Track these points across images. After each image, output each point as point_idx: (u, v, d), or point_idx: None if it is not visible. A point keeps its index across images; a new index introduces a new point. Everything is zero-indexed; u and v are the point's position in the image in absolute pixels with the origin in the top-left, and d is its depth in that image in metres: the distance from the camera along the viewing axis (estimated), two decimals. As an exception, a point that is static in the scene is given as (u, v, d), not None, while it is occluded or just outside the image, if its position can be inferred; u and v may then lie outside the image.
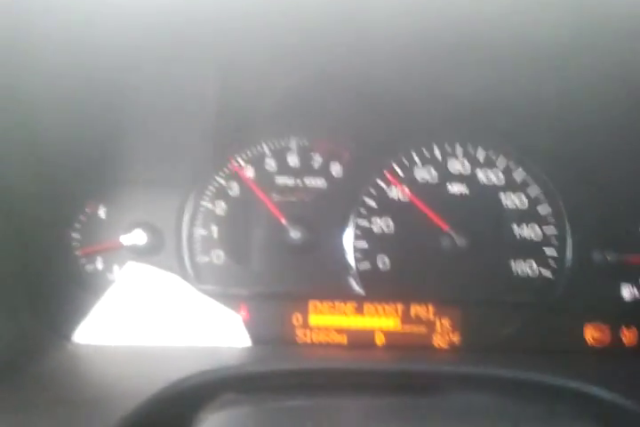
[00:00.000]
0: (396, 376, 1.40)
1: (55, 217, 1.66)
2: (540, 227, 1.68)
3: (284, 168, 1.71)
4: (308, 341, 1.63)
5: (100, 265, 1.67)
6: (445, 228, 1.65)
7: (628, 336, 1.64)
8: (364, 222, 1.69)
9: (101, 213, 1.69)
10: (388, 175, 1.71)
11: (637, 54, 1.45)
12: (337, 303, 1.65)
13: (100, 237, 1.68)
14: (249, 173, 1.71)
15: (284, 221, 1.66)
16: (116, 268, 1.66)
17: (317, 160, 1.72)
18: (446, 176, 1.71)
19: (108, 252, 1.67)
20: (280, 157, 1.72)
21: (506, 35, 1.44)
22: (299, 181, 1.71)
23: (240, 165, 1.71)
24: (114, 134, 1.71)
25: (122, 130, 1.72)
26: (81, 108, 1.61)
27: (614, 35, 1.38)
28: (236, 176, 1.71)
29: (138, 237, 1.64)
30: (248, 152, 1.73)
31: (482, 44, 1.48)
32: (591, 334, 1.64)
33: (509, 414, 1.20)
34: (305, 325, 1.64)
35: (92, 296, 1.61)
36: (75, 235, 1.68)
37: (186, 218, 1.69)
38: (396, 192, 1.70)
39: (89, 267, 1.67)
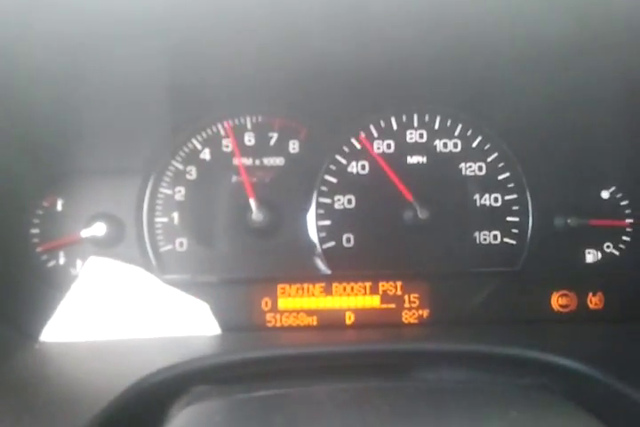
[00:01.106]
0: (367, 356, 1.41)
1: (12, 214, 1.62)
2: (502, 195, 1.69)
3: (241, 148, 1.68)
4: (279, 325, 1.64)
5: (62, 260, 1.64)
6: (410, 198, 1.64)
7: (594, 301, 1.67)
8: (326, 200, 1.68)
9: (59, 206, 1.65)
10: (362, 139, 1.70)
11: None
12: (305, 285, 1.65)
13: (60, 232, 1.64)
14: (204, 155, 1.68)
15: (252, 201, 1.63)
16: (78, 262, 1.63)
17: (274, 138, 1.69)
18: (405, 148, 1.69)
19: (69, 246, 1.63)
20: (236, 136, 1.68)
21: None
22: (257, 160, 1.68)
23: None
24: (65, 124, 1.66)
25: (73, 118, 1.66)
26: (28, 97, 1.55)
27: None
28: (192, 159, 1.67)
29: (97, 229, 1.61)
30: (203, 134, 1.69)
31: (438, 11, 1.44)
32: (558, 301, 1.67)
33: (480, 390, 1.21)
34: (274, 309, 1.64)
35: (56, 293, 1.58)
36: (34, 230, 1.64)
37: (145, 206, 1.66)
38: (356, 167, 1.68)
39: (51, 263, 1.63)
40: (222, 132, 1.69)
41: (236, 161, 1.67)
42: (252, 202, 1.62)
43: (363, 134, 1.70)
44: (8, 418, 1.05)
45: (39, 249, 1.63)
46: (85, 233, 1.61)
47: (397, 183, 1.66)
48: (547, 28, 1.41)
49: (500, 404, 1.06)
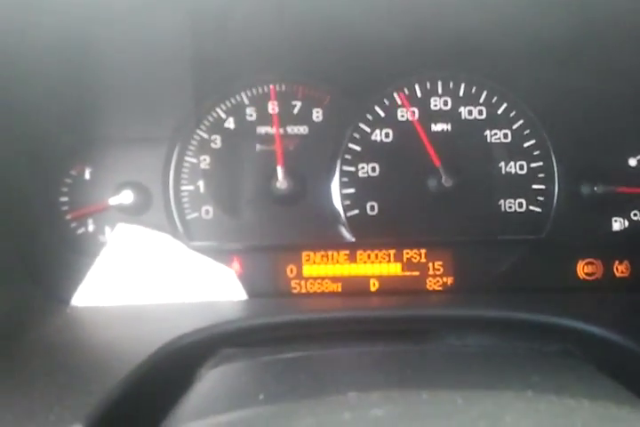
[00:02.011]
0: (391, 322, 1.42)
1: (41, 183, 1.65)
2: (527, 163, 1.68)
3: (264, 117, 1.68)
4: (304, 291, 1.65)
5: (90, 228, 1.66)
6: (438, 164, 1.63)
7: (620, 269, 1.66)
8: (349, 168, 1.68)
9: (87, 174, 1.67)
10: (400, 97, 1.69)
11: None
12: (329, 252, 1.66)
13: (89, 200, 1.66)
14: (229, 124, 1.68)
15: (280, 168, 1.64)
16: (107, 229, 1.66)
17: (298, 106, 1.69)
18: (430, 115, 1.68)
19: (97, 214, 1.66)
20: (260, 105, 1.69)
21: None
22: (281, 129, 1.68)
23: None
24: (91, 93, 1.68)
25: (99, 88, 1.68)
26: (55, 67, 1.58)
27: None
28: (216, 128, 1.68)
29: (125, 197, 1.63)
30: (227, 103, 1.69)
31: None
32: (584, 268, 1.66)
33: (504, 355, 1.22)
34: (299, 276, 1.66)
35: (85, 259, 1.61)
36: (63, 199, 1.66)
37: (171, 174, 1.67)
38: (380, 135, 1.68)
39: (80, 230, 1.66)
40: (246, 101, 1.69)
41: (260, 129, 1.68)
42: (280, 169, 1.63)
43: (386, 102, 1.68)
44: (43, 378, 1.09)
45: (68, 217, 1.66)
46: (113, 201, 1.63)
47: (428, 147, 1.64)
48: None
49: (522, 369, 1.06)
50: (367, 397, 0.81)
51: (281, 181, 1.62)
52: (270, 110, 1.69)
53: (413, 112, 1.68)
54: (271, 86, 1.69)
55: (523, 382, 0.94)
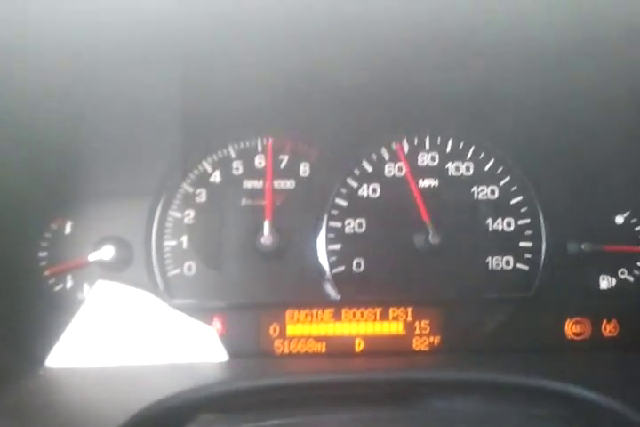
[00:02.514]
0: (377, 386, 1.39)
1: (21, 237, 1.61)
2: (515, 220, 1.67)
3: (251, 171, 1.67)
4: (287, 352, 1.61)
5: (69, 284, 1.62)
6: (427, 220, 1.62)
7: (608, 329, 1.65)
8: (336, 224, 1.66)
9: (68, 228, 1.64)
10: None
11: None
12: (314, 311, 1.63)
13: (68, 255, 1.62)
14: (215, 178, 1.66)
15: (267, 223, 1.61)
16: (86, 286, 1.62)
17: (285, 161, 1.68)
18: (417, 171, 1.67)
19: (76, 270, 1.62)
20: (247, 159, 1.67)
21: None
22: (267, 183, 1.66)
23: None
24: (75, 146, 1.66)
25: (83, 141, 1.66)
26: (37, 120, 1.55)
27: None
28: (202, 182, 1.66)
29: (105, 252, 1.59)
30: (214, 156, 1.67)
31: (448, 38, 1.42)
32: (572, 328, 1.64)
33: (493, 419, 1.19)
34: (282, 335, 1.62)
35: (62, 317, 1.56)
36: (41, 254, 1.62)
37: (154, 229, 1.64)
38: (367, 190, 1.67)
39: (58, 286, 1.62)
40: (233, 155, 1.67)
41: (246, 184, 1.65)
42: (267, 224, 1.61)
43: (374, 157, 1.68)
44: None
45: (47, 273, 1.61)
46: (93, 256, 1.59)
47: (418, 202, 1.63)
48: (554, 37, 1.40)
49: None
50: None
51: (266, 236, 1.60)
52: (258, 164, 1.67)
53: (400, 168, 1.67)
54: (258, 140, 1.68)
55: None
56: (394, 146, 1.68)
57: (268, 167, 1.66)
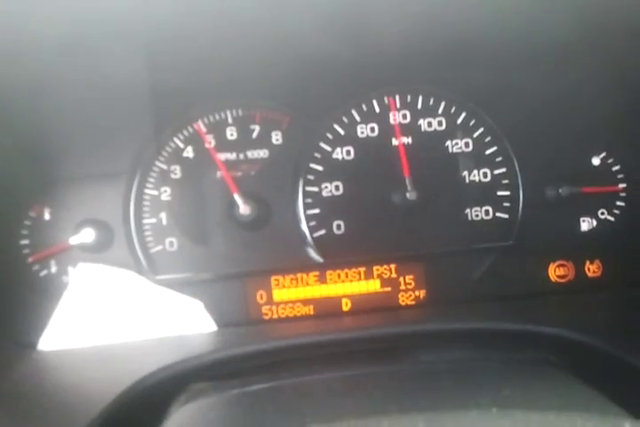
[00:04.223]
0: (366, 342, 1.40)
1: (1, 227, 1.62)
2: (491, 170, 1.67)
3: (223, 143, 1.67)
4: (275, 316, 1.63)
5: (53, 269, 1.63)
6: (407, 175, 1.62)
7: (592, 269, 1.66)
8: (313, 188, 1.67)
9: (47, 215, 1.64)
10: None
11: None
12: (299, 275, 1.64)
13: (50, 241, 1.63)
14: (188, 153, 1.66)
15: (237, 196, 1.62)
16: (70, 269, 1.62)
17: (257, 131, 1.68)
18: (389, 130, 1.67)
19: (59, 254, 1.63)
20: (218, 132, 1.67)
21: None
22: (241, 154, 1.66)
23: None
24: (45, 131, 1.64)
25: (53, 125, 1.65)
26: (6, 105, 1.54)
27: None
28: (175, 158, 1.66)
29: (86, 235, 1.60)
30: (185, 132, 1.67)
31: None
32: (555, 271, 1.65)
33: (478, 368, 1.20)
34: (270, 301, 1.63)
35: (50, 301, 1.58)
36: (23, 242, 1.63)
37: (132, 208, 1.65)
38: (341, 153, 1.67)
39: (43, 272, 1.63)
40: (204, 129, 1.67)
41: (220, 156, 1.66)
42: (237, 197, 1.61)
43: (345, 119, 1.68)
44: None
45: (30, 260, 1.62)
46: (74, 240, 1.60)
47: (402, 158, 1.64)
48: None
49: (495, 383, 1.04)
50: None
51: (242, 207, 1.60)
52: (230, 136, 1.67)
53: (372, 128, 1.67)
54: (228, 112, 1.67)
55: (493, 398, 0.92)
56: (353, 112, 1.68)
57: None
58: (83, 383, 1.31)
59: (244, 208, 1.60)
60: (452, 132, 1.69)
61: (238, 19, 1.42)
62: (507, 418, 0.78)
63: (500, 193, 1.67)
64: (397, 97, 1.69)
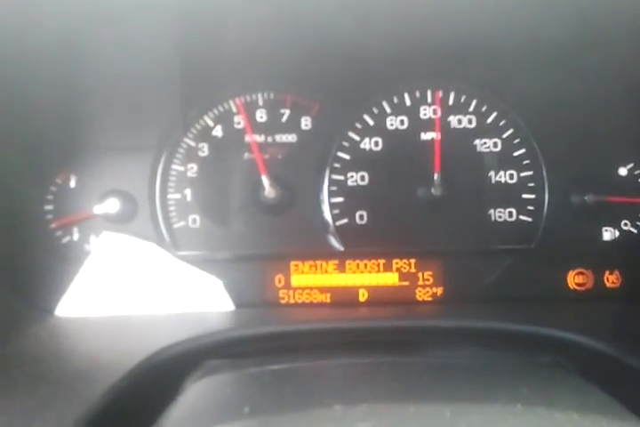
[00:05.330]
0: (380, 333, 1.40)
1: (26, 191, 1.63)
2: (517, 172, 1.67)
3: (253, 125, 1.67)
4: (292, 301, 1.63)
5: (75, 236, 1.64)
6: (438, 170, 1.63)
7: (610, 280, 1.65)
8: (338, 177, 1.67)
9: (72, 182, 1.65)
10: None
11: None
12: (318, 262, 1.64)
13: (74, 208, 1.64)
14: (217, 132, 1.67)
15: (264, 177, 1.62)
16: (92, 238, 1.64)
17: (287, 115, 1.68)
18: (419, 124, 1.67)
19: (82, 222, 1.64)
20: (248, 113, 1.67)
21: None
22: (269, 137, 1.67)
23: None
24: (78, 101, 1.66)
25: (85, 96, 1.66)
26: (42, 75, 1.55)
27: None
28: (204, 136, 1.67)
29: (110, 206, 1.61)
30: (215, 111, 1.68)
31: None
32: (574, 279, 1.65)
33: (493, 367, 1.20)
34: (287, 286, 1.64)
35: (70, 268, 1.59)
36: (47, 207, 1.64)
37: (158, 182, 1.65)
38: (369, 143, 1.67)
39: (65, 239, 1.64)
40: (234, 109, 1.67)
41: (248, 138, 1.66)
42: (264, 179, 1.61)
43: (375, 110, 1.68)
44: (24, 389, 1.07)
45: (53, 225, 1.63)
46: (98, 209, 1.61)
47: (435, 152, 1.64)
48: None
49: (512, 381, 1.05)
50: (353, 410, 0.79)
51: (268, 190, 1.61)
52: (259, 118, 1.67)
53: (402, 121, 1.67)
54: (259, 94, 1.68)
55: (512, 395, 0.92)
56: (384, 103, 1.68)
57: (246, 124, 1.67)
58: (98, 352, 1.31)
59: (269, 191, 1.61)
60: (481, 130, 1.68)
61: (277, 3, 1.42)
62: (531, 414, 0.78)
63: (525, 196, 1.67)
64: (429, 92, 1.69)
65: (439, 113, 1.68)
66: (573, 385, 1.05)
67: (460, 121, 1.68)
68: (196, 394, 1.07)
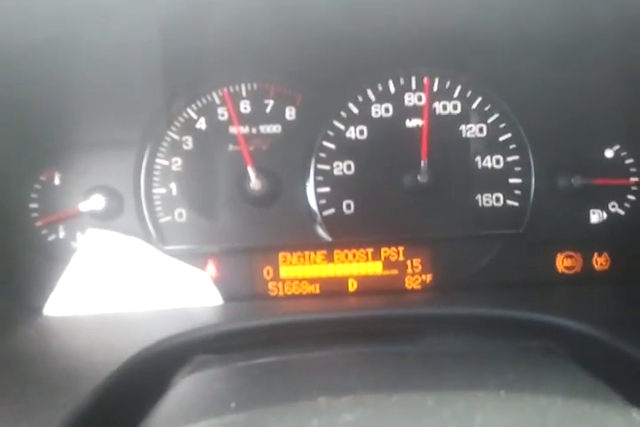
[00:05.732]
0: (370, 323, 1.40)
1: (10, 189, 1.62)
2: (504, 157, 1.67)
3: (237, 116, 1.66)
4: (281, 293, 1.63)
5: (62, 234, 1.63)
6: (425, 158, 1.62)
7: (599, 262, 1.65)
8: (324, 167, 1.66)
9: (57, 180, 1.64)
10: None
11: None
12: (306, 253, 1.64)
13: (59, 205, 1.63)
14: (200, 124, 1.66)
15: (251, 169, 1.61)
16: (78, 235, 1.63)
17: (270, 105, 1.67)
18: (404, 111, 1.66)
19: (68, 220, 1.63)
20: (232, 104, 1.66)
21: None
22: (253, 128, 1.66)
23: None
24: (59, 96, 1.63)
25: (66, 91, 1.64)
26: (20, 70, 1.52)
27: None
28: (188, 129, 1.66)
29: (95, 202, 1.60)
30: (198, 103, 1.66)
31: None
32: (563, 262, 1.65)
33: (482, 354, 1.20)
34: (276, 278, 1.63)
35: (57, 266, 1.58)
36: (32, 205, 1.63)
37: (142, 177, 1.64)
38: (354, 132, 1.66)
39: (51, 237, 1.63)
40: (217, 101, 1.66)
41: (232, 129, 1.65)
42: (250, 170, 1.60)
43: (360, 98, 1.67)
44: (13, 389, 1.06)
45: (38, 223, 1.62)
46: (84, 206, 1.60)
47: (423, 139, 1.62)
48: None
49: (499, 367, 1.05)
50: (337, 401, 0.79)
51: (254, 181, 1.60)
52: (243, 110, 1.66)
53: (387, 108, 1.66)
54: (242, 85, 1.66)
55: (498, 382, 0.92)
56: (369, 91, 1.67)
57: (232, 115, 1.66)
58: (87, 350, 1.31)
59: (255, 183, 1.60)
60: (466, 116, 1.67)
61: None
62: (515, 401, 0.78)
63: (511, 180, 1.66)
64: (413, 78, 1.68)
65: (425, 99, 1.67)
66: (562, 370, 1.05)
67: (444, 107, 1.68)
68: (184, 390, 1.07)
